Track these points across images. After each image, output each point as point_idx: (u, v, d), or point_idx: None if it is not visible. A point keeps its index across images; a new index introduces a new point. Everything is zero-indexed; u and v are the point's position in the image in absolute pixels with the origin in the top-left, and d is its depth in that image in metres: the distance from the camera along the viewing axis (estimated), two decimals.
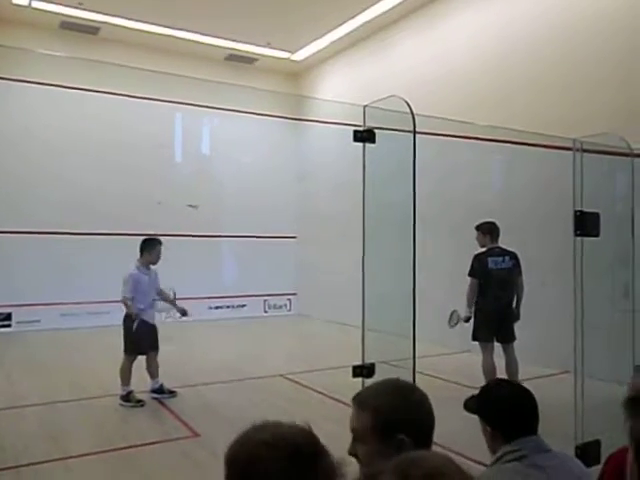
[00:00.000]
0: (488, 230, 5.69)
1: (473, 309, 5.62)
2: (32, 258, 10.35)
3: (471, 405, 2.03)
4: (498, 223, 5.76)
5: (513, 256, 5.64)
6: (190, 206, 11.68)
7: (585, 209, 3.52)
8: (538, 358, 6.62)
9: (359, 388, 1.80)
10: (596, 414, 3.63)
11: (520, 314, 5.70)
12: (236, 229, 12.17)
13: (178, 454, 4.41)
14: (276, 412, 5.49)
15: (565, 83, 7.42)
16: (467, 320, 5.63)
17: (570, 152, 3.91)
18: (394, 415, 1.52)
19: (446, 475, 0.66)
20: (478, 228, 5.79)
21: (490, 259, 5.59)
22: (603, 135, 4.07)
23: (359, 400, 1.61)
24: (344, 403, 5.64)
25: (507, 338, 5.61)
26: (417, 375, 3.66)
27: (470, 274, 5.65)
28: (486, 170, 8.65)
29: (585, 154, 3.84)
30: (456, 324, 5.77)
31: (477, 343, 5.66)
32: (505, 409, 1.90)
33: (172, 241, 11.59)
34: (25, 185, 10.40)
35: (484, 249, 5.70)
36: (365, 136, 3.55)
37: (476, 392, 2.09)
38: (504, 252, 5.65)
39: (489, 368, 5.49)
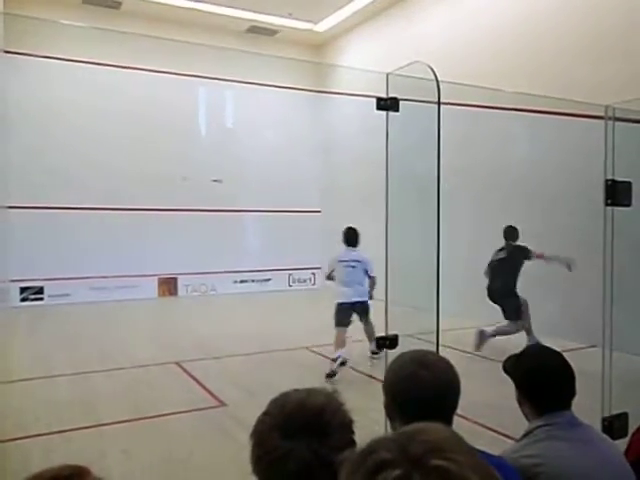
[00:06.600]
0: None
1: None
2: (62, 234, 10.56)
3: (510, 367, 1.88)
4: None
5: None
6: (215, 181, 11.70)
7: (617, 178, 3.41)
8: (565, 331, 6.53)
9: (382, 359, 1.79)
10: (624, 387, 3.57)
11: None
12: (261, 203, 12.18)
13: (206, 422, 4.51)
14: (300, 383, 5.53)
15: (597, 49, 7.14)
16: None
17: (601, 120, 3.77)
18: (401, 397, 1.49)
19: (447, 450, 0.63)
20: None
21: None
22: (635, 101, 3.91)
23: (386, 370, 1.62)
24: (367, 375, 5.68)
25: None
26: (441, 348, 3.64)
27: None
28: (514, 139, 8.45)
29: (617, 122, 3.70)
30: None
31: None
32: (541, 381, 1.76)
33: (197, 216, 11.72)
34: (48, 161, 10.50)
35: None
36: (388, 104, 3.46)
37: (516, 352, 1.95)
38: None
39: None
